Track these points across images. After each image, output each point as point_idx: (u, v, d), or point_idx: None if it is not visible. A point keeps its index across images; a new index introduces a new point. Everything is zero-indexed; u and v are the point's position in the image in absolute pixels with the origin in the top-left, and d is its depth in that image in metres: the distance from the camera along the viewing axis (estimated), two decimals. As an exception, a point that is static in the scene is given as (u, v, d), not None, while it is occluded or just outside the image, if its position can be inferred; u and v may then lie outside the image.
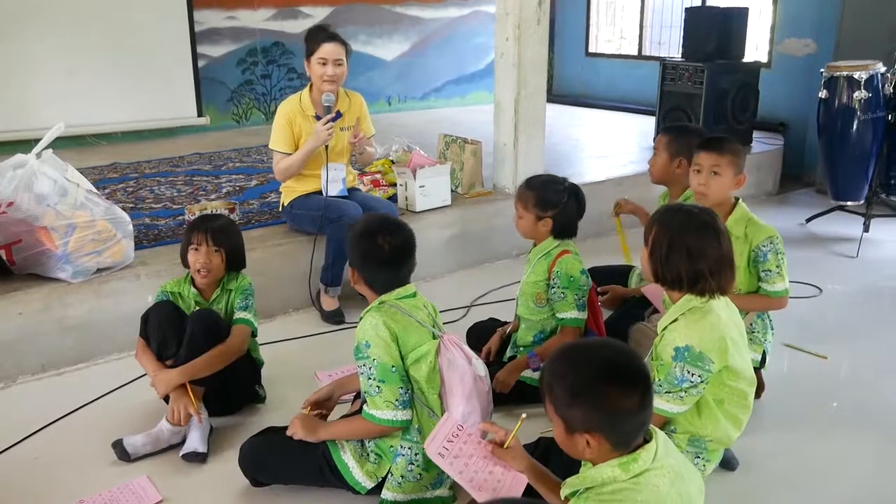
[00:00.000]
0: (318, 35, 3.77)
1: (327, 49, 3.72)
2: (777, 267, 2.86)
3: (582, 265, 2.95)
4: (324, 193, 3.83)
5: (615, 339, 1.73)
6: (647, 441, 1.66)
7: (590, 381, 1.61)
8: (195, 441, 2.68)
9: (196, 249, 2.84)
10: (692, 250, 2.16)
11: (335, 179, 3.87)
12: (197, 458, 2.66)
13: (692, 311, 2.20)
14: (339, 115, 3.84)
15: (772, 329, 3.05)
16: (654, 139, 3.51)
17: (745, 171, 2.95)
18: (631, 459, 1.63)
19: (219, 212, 4.11)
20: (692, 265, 2.16)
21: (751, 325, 2.94)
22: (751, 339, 2.93)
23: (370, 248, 2.30)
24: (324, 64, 3.73)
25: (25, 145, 4.29)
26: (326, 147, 3.77)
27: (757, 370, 2.97)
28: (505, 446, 2.03)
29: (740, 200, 2.95)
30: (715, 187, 2.90)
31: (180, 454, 2.67)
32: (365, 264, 2.34)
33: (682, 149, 3.29)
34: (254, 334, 2.98)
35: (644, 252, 2.31)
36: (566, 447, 1.69)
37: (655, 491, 1.63)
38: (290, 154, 3.81)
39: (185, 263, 2.92)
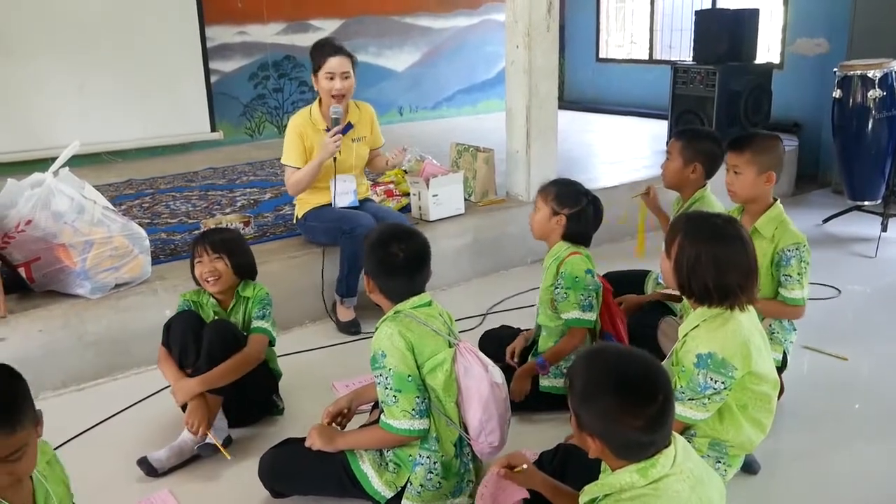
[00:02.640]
0: (324, 49, 3.78)
1: (333, 63, 3.74)
2: (798, 274, 2.81)
3: (589, 265, 2.91)
4: (333, 205, 3.85)
5: (646, 354, 1.68)
6: (665, 446, 1.65)
7: (600, 390, 1.61)
8: (216, 432, 2.74)
9: (200, 261, 2.90)
10: (720, 263, 2.13)
11: (345, 191, 3.88)
12: (209, 449, 2.71)
13: (713, 318, 2.18)
14: (349, 126, 3.85)
15: (794, 329, 3.01)
16: (667, 143, 3.49)
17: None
18: (649, 465, 1.62)
19: (234, 225, 4.15)
20: (720, 278, 2.14)
21: (770, 325, 2.92)
22: (771, 340, 2.91)
23: (385, 256, 2.31)
24: (331, 78, 3.74)
25: (42, 164, 4.33)
26: (335, 159, 3.79)
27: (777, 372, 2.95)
28: (515, 471, 2.04)
29: (778, 201, 2.94)
30: (738, 185, 2.93)
31: (195, 448, 2.72)
32: (380, 273, 2.34)
33: (696, 154, 3.28)
34: (272, 344, 3.00)
35: (664, 260, 2.29)
36: (576, 438, 1.71)
37: (676, 496, 1.61)
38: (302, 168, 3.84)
39: (196, 280, 2.98)
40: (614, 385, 1.60)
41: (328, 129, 3.78)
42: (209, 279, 2.89)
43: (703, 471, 1.73)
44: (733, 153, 2.93)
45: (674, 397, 1.64)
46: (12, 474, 1.50)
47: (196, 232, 4.31)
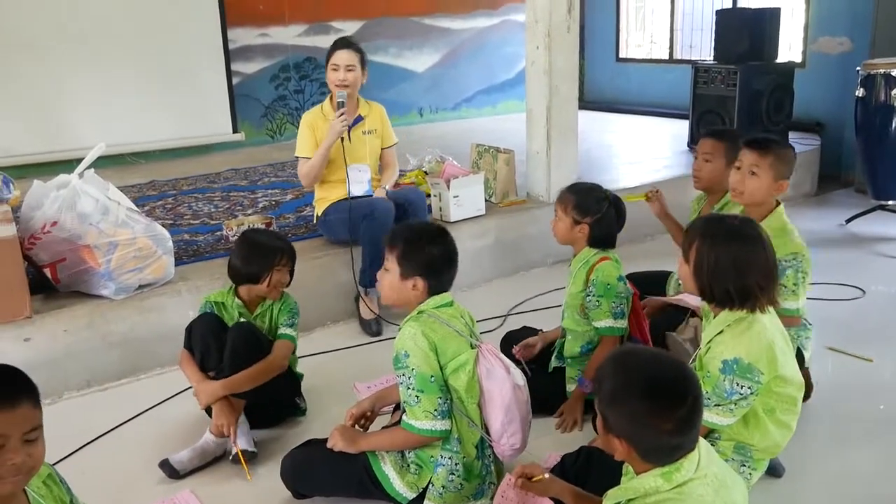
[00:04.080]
0: (335, 45, 3.97)
1: (339, 56, 3.89)
2: (794, 285, 2.72)
3: (620, 272, 2.93)
4: (348, 193, 3.88)
5: (672, 357, 1.67)
6: (691, 449, 1.64)
7: (629, 392, 1.60)
8: (242, 443, 2.72)
9: (280, 270, 2.90)
10: (740, 265, 2.12)
11: (359, 180, 3.93)
12: (247, 455, 2.69)
13: (737, 323, 2.17)
14: (360, 118, 3.99)
15: (809, 325, 2.97)
16: (698, 144, 3.42)
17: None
18: (674, 469, 1.61)
19: (256, 226, 4.16)
20: (740, 280, 2.12)
21: None
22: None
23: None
24: (336, 70, 3.87)
25: (67, 165, 4.38)
26: (343, 142, 3.84)
27: (803, 370, 2.92)
28: (533, 480, 2.03)
29: (781, 206, 2.87)
30: (751, 187, 2.84)
31: (230, 458, 2.72)
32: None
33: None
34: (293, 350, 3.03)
35: (682, 265, 2.26)
36: (602, 441, 1.70)
37: (700, 500, 1.61)
38: None
39: (247, 279, 2.90)
40: (644, 387, 1.59)
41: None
42: (280, 288, 2.94)
43: (727, 474, 1.72)
44: (755, 153, 2.84)
45: (702, 401, 1.62)
46: (31, 456, 1.51)
47: (219, 233, 4.35)
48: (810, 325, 2.99)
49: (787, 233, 2.78)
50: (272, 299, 2.98)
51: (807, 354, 2.95)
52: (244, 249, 2.91)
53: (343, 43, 3.95)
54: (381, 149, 4.14)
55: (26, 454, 1.50)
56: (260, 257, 2.88)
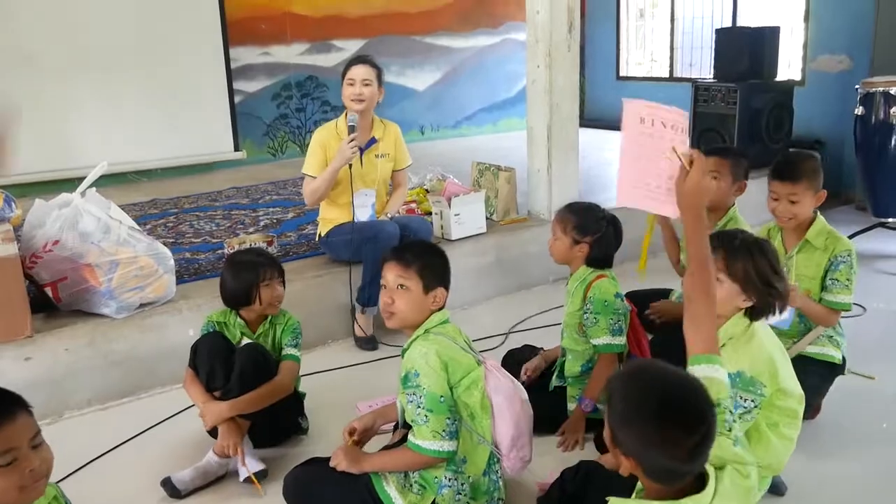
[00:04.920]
0: (351, 61, 3.93)
1: (355, 71, 3.85)
2: (847, 280, 2.86)
3: (618, 289, 2.93)
4: (353, 218, 3.87)
5: (690, 380, 1.63)
6: (702, 484, 1.60)
7: (640, 415, 1.56)
8: (252, 464, 2.71)
9: (268, 285, 2.90)
10: (779, 276, 2.21)
11: (363, 204, 3.91)
12: (259, 475, 2.69)
13: (738, 336, 2.19)
14: (373, 140, 3.92)
15: (843, 334, 3.03)
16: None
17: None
18: None
19: (257, 245, 4.17)
20: (777, 288, 2.20)
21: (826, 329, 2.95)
22: (828, 342, 2.95)
23: None
24: (352, 84, 3.83)
25: (69, 184, 4.39)
26: (352, 168, 3.81)
27: (821, 391, 2.97)
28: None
29: (819, 214, 2.99)
30: (796, 211, 2.93)
31: (241, 479, 2.70)
32: None
33: (744, 172, 3.34)
34: None
35: (727, 283, 2.23)
36: (610, 453, 1.68)
37: None
38: None
39: (243, 302, 2.92)
40: (656, 413, 1.54)
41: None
42: (276, 303, 2.94)
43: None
44: (788, 183, 2.91)
45: (715, 429, 1.57)
46: (44, 460, 1.61)
47: (220, 252, 4.35)
48: (843, 335, 3.05)
49: (835, 233, 2.95)
50: (272, 314, 2.98)
51: (847, 364, 3.02)
52: (227, 275, 2.94)
53: (360, 59, 3.93)
54: (393, 170, 4.11)
55: (40, 458, 1.59)
56: (243, 280, 2.89)
